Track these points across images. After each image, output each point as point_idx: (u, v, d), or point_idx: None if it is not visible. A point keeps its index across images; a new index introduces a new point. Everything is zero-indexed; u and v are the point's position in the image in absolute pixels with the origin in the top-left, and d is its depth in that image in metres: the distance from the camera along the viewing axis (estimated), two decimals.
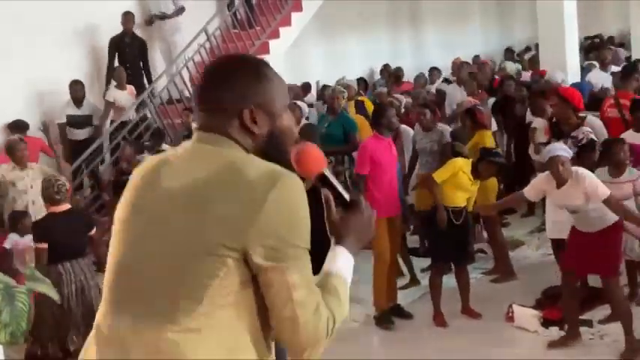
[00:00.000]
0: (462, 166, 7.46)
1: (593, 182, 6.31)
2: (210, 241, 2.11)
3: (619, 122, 8.79)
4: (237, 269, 2.12)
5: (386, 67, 15.87)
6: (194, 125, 7.32)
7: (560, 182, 6.43)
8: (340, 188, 2.42)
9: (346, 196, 2.44)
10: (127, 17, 11.91)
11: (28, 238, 7.20)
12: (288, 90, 2.53)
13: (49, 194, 6.84)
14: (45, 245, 6.62)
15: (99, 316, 2.29)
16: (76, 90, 11.11)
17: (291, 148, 2.36)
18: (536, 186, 6.80)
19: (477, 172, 7.46)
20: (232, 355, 2.13)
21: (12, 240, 7.56)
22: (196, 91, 2.42)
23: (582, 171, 6.43)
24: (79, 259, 6.87)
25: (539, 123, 8.91)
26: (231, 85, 2.30)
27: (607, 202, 6.25)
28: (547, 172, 6.58)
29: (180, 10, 12.73)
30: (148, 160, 2.41)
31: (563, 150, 6.56)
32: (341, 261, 2.35)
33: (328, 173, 2.39)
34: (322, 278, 2.29)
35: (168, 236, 2.19)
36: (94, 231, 7.08)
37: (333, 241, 2.42)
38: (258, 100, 2.29)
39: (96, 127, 11.33)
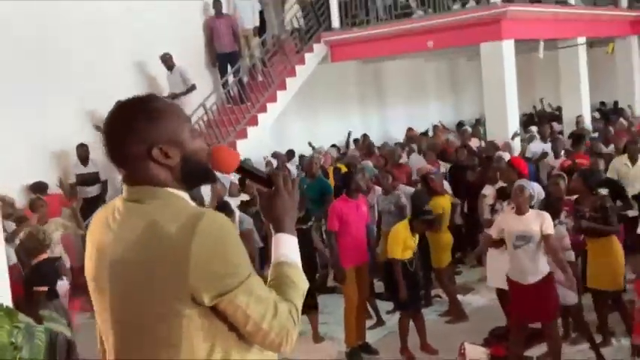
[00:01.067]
0: (403, 230, 7.52)
1: (549, 219, 6.44)
2: (163, 302, 2.05)
3: None
4: (198, 315, 2.06)
5: (364, 137, 15.87)
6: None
7: (520, 209, 6.52)
8: (259, 173, 2.34)
9: (264, 175, 2.35)
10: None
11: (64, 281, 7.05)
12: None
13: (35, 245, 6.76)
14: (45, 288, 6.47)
15: None
16: (82, 151, 11.32)
17: (205, 157, 2.24)
18: (497, 223, 6.83)
19: (412, 228, 7.52)
20: None
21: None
22: (106, 152, 2.20)
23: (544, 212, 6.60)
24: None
25: (488, 190, 9.00)
26: (130, 136, 2.14)
27: (547, 238, 6.34)
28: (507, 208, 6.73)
29: (192, 88, 12.82)
30: (95, 222, 2.28)
31: (529, 185, 6.73)
32: (283, 246, 2.28)
33: (245, 164, 2.29)
34: (273, 269, 2.24)
35: (131, 308, 2.12)
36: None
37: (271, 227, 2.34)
38: (160, 137, 2.14)
39: (103, 183, 11.38)
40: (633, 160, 9.59)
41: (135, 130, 2.14)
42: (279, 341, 2.11)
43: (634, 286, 6.77)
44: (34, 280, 6.37)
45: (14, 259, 7.64)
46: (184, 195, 2.21)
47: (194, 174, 2.22)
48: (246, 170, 2.32)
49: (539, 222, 6.45)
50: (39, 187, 10.59)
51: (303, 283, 2.24)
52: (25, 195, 10.63)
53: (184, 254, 2.01)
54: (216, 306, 2.05)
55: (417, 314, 7.70)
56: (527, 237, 6.42)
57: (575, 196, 7.72)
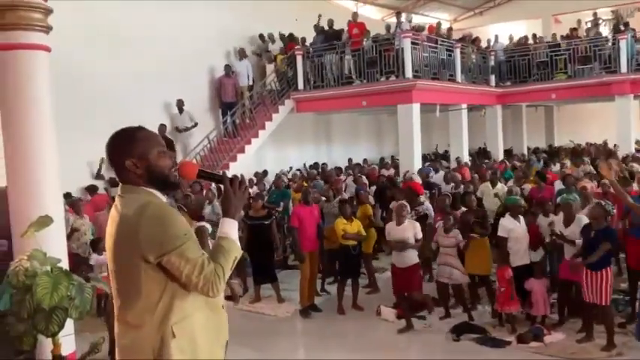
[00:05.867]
0: (341, 221, 7.56)
1: (419, 227, 6.76)
2: (130, 260, 2.17)
3: None
4: (151, 269, 2.16)
5: (321, 165, 15.69)
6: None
7: (399, 221, 6.73)
8: (216, 176, 2.31)
9: (220, 175, 2.32)
10: (162, 127, 11.91)
11: (103, 256, 6.94)
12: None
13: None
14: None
15: None
16: None
17: (167, 170, 2.28)
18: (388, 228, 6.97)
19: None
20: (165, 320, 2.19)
21: (94, 258, 7.27)
22: (108, 161, 2.33)
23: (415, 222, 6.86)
24: None
25: (393, 205, 9.09)
26: (115, 151, 2.28)
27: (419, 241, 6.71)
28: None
29: (195, 125, 12.82)
30: (111, 210, 2.35)
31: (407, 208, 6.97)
32: (226, 226, 2.30)
33: (202, 170, 2.27)
34: (216, 241, 2.28)
35: (116, 263, 2.26)
36: None
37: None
38: (132, 153, 2.24)
39: None
40: (493, 185, 9.81)
41: (118, 147, 2.28)
42: (206, 289, 2.17)
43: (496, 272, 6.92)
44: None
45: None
46: (155, 192, 2.27)
47: (156, 180, 2.27)
48: (204, 175, 2.29)
49: (412, 231, 6.71)
50: (91, 189, 10.37)
51: (234, 252, 2.25)
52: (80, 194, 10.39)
53: (136, 230, 2.13)
54: (159, 264, 2.15)
55: (355, 283, 7.73)
56: (406, 239, 6.67)
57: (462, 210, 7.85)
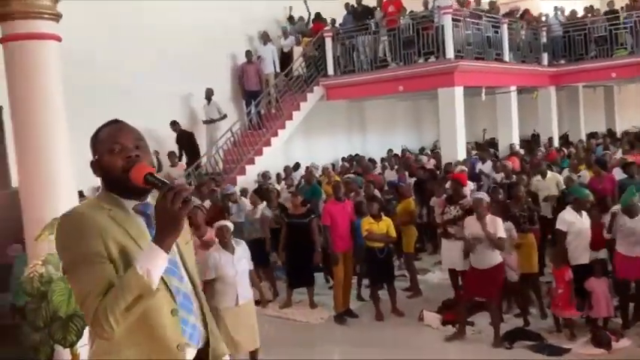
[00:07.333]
0: (367, 220, 7.48)
1: (500, 224, 6.42)
2: None
3: None
4: None
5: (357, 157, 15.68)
6: None
7: (480, 215, 6.46)
8: (161, 186, 1.93)
9: (166, 183, 1.96)
10: (174, 125, 12.13)
11: None
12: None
13: None
14: None
15: None
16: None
17: (117, 172, 2.03)
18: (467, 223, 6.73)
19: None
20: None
21: None
22: None
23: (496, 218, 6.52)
24: None
25: (434, 202, 9.04)
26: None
27: (496, 238, 6.30)
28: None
29: (224, 117, 12.84)
30: None
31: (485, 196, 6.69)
32: (143, 255, 1.89)
33: (148, 177, 1.97)
34: (127, 270, 1.89)
35: None
36: None
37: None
38: (94, 151, 2.09)
39: None
40: (543, 175, 9.64)
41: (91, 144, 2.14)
42: (94, 329, 1.90)
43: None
44: None
45: None
46: (104, 203, 2.05)
47: (110, 184, 2.08)
48: (149, 182, 1.98)
49: (492, 227, 6.38)
50: None
51: (134, 290, 1.84)
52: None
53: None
54: None
55: (391, 287, 7.68)
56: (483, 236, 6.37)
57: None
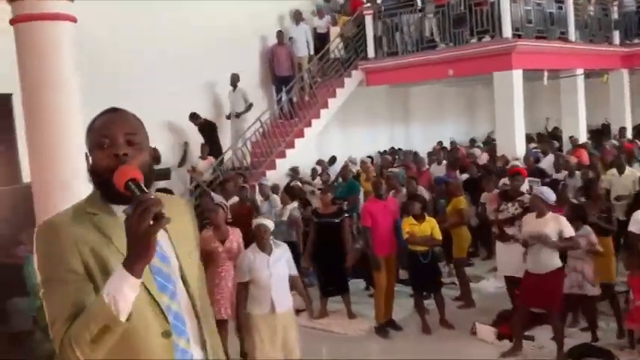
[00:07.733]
0: (408, 220, 7.47)
1: (565, 222, 6.30)
2: None
3: None
4: None
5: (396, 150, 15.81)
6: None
7: (540, 212, 6.38)
8: (138, 196, 1.79)
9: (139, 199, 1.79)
10: (193, 117, 12.26)
11: None
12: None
13: None
14: None
15: None
16: (155, 153, 11.27)
17: (104, 172, 1.92)
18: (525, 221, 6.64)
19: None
20: None
21: None
22: None
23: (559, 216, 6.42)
24: None
25: (485, 197, 8.97)
26: None
27: (567, 239, 6.20)
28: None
29: (249, 108, 12.87)
30: None
31: (546, 193, 6.55)
32: (111, 281, 1.75)
33: (129, 184, 1.84)
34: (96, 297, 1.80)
35: None
36: None
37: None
38: (86, 144, 1.99)
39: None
40: (620, 171, 9.49)
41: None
42: (57, 350, 1.82)
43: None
44: None
45: None
46: (95, 200, 2.00)
47: (96, 185, 2.00)
48: (128, 189, 1.85)
49: (554, 226, 6.28)
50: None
51: (99, 320, 1.74)
52: None
53: None
54: None
55: (437, 295, 7.65)
56: (545, 235, 6.25)
57: None
